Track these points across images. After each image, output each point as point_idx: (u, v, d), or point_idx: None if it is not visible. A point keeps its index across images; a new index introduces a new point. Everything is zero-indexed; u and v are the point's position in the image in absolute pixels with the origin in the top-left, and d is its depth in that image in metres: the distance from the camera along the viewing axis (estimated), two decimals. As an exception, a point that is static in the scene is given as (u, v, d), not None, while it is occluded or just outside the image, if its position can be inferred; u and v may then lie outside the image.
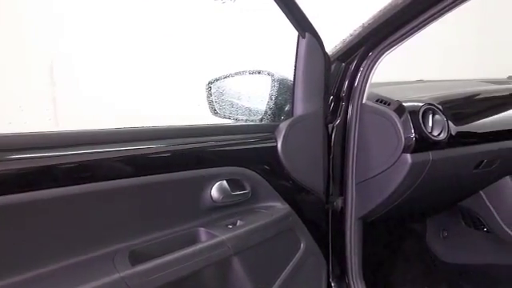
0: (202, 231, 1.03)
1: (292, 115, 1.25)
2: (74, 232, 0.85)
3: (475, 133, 1.47)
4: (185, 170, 1.01)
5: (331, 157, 1.36)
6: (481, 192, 1.79)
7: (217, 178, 1.05)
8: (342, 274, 1.48)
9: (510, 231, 1.73)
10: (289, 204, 1.21)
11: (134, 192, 0.92)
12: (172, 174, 0.98)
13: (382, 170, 1.37)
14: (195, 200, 1.03)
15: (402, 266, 2.02)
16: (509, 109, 1.62)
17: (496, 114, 1.57)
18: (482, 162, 1.52)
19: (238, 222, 1.08)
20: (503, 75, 2.26)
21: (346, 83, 1.36)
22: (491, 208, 1.77)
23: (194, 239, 1.01)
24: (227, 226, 1.06)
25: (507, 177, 1.73)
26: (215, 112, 1.33)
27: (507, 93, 1.67)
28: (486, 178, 1.70)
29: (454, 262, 2.01)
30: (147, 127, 1.04)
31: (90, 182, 0.85)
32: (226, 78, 1.33)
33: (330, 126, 1.36)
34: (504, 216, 1.74)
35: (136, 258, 0.87)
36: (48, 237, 0.81)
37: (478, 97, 1.60)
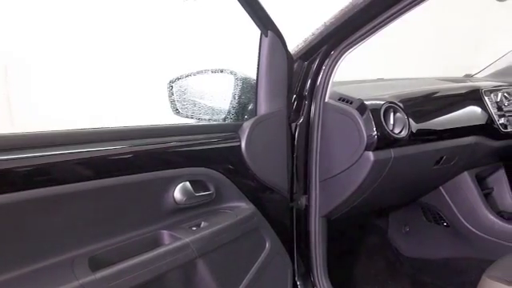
0: (166, 234, 1.00)
1: (255, 114, 1.24)
2: (31, 238, 0.81)
3: (435, 130, 1.51)
4: (146, 172, 0.98)
5: (295, 155, 1.36)
6: (440, 188, 1.83)
7: (179, 179, 1.03)
8: (307, 272, 1.48)
9: (468, 225, 1.78)
10: (253, 204, 1.20)
11: (93, 195, 0.89)
12: (133, 176, 0.96)
13: (345, 168, 1.38)
14: (157, 202, 1.01)
15: (365, 262, 2.05)
16: (466, 106, 1.67)
17: (454, 111, 1.61)
18: (442, 158, 1.56)
19: (202, 224, 1.06)
20: (460, 73, 2.33)
21: (309, 82, 1.36)
22: (450, 203, 1.82)
23: (156, 242, 0.99)
24: (191, 227, 1.04)
25: (465, 172, 1.78)
26: (177, 111, 1.30)
27: (464, 91, 1.72)
28: (445, 173, 1.74)
29: (416, 257, 2.05)
30: (106, 128, 1.01)
31: (47, 186, 0.82)
32: (187, 76, 1.30)
33: (294, 124, 1.36)
34: (462, 210, 1.80)
35: (96, 263, 0.84)
36: (1, 244, 0.77)
37: (436, 95, 1.64)
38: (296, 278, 1.43)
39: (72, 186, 0.85)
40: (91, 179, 0.88)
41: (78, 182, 0.86)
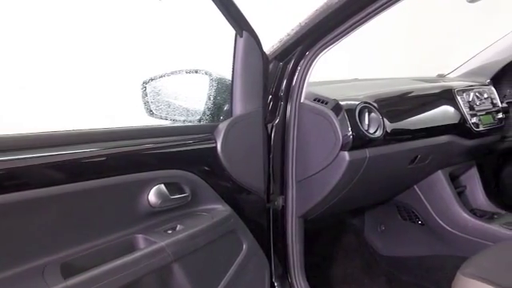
0: (140, 238, 0.98)
1: (231, 115, 1.23)
2: None
3: (409, 130, 1.52)
4: (120, 175, 0.96)
5: (271, 156, 1.36)
6: (415, 186, 1.86)
7: (154, 181, 1.02)
8: (284, 273, 1.48)
9: (442, 223, 1.81)
10: (230, 205, 1.19)
11: (65, 200, 0.87)
12: (106, 180, 0.94)
13: (322, 168, 1.38)
14: (132, 205, 0.99)
15: (342, 261, 2.06)
16: (439, 106, 1.69)
17: (428, 111, 1.63)
18: (416, 157, 1.58)
19: (178, 227, 1.04)
20: (433, 73, 2.36)
21: (284, 82, 1.36)
22: (425, 201, 1.85)
23: (131, 247, 0.97)
24: (166, 231, 1.02)
25: (439, 171, 1.81)
26: (151, 113, 1.28)
27: (437, 91, 1.74)
28: (419, 172, 1.76)
29: (392, 255, 2.07)
30: (79, 130, 0.98)
31: (17, 191, 0.79)
32: (161, 77, 1.28)
33: (270, 125, 1.35)
34: (436, 209, 1.82)
35: (69, 270, 0.81)
36: None
37: (410, 95, 1.66)
38: (273, 279, 1.43)
39: (43, 191, 0.83)
40: (63, 183, 0.86)
41: (50, 186, 0.84)
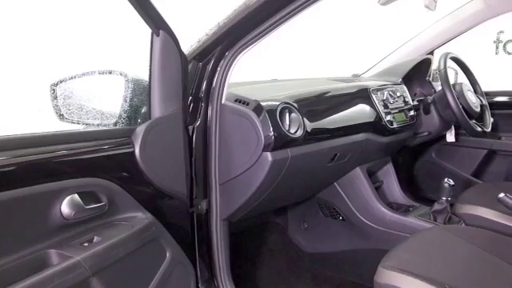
0: (53, 253, 0.92)
1: (149, 118, 1.18)
2: None
3: (328, 129, 1.55)
4: (28, 186, 0.88)
5: (193, 159, 1.33)
6: (335, 183, 1.91)
7: (67, 191, 0.95)
8: (210, 278, 1.46)
9: (362, 218, 1.87)
10: (151, 213, 1.14)
11: None
12: (13, 192, 0.86)
13: (245, 170, 1.37)
14: (43, 218, 0.92)
15: (268, 261, 2.07)
16: (356, 105, 1.74)
17: (345, 110, 1.67)
18: (336, 155, 1.62)
19: (95, 239, 0.99)
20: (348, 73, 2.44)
21: (205, 83, 1.33)
22: (345, 198, 1.90)
23: (43, 263, 0.90)
24: (82, 244, 0.96)
25: (357, 168, 1.87)
26: (62, 117, 1.19)
27: (353, 90, 1.79)
28: (339, 170, 1.81)
29: (316, 252, 2.11)
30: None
31: None
32: (72, 78, 1.20)
33: (191, 127, 1.32)
34: (356, 204, 1.88)
35: None
36: None
37: (328, 94, 1.69)
38: (199, 285, 1.40)
39: None
40: None
41: None
